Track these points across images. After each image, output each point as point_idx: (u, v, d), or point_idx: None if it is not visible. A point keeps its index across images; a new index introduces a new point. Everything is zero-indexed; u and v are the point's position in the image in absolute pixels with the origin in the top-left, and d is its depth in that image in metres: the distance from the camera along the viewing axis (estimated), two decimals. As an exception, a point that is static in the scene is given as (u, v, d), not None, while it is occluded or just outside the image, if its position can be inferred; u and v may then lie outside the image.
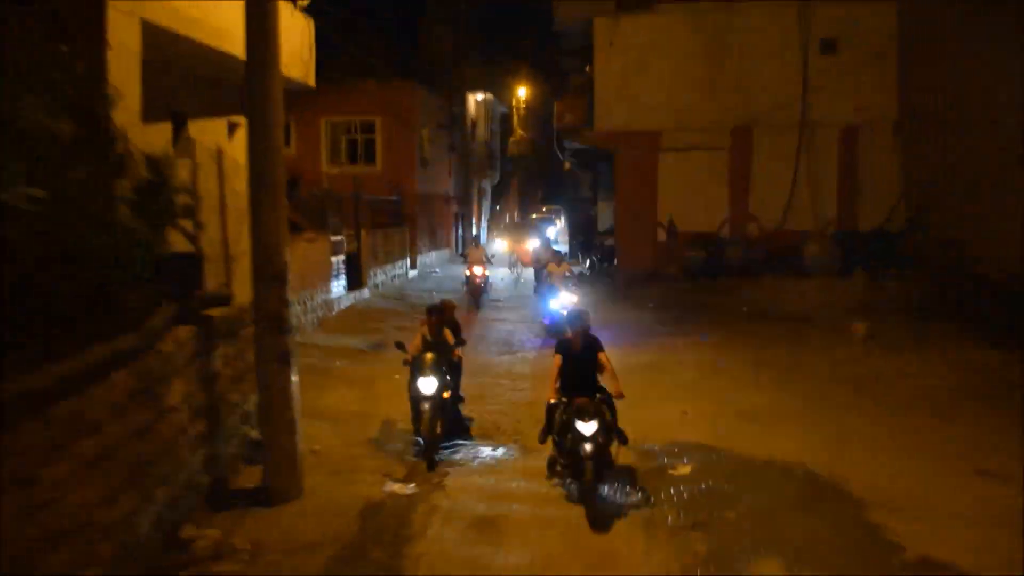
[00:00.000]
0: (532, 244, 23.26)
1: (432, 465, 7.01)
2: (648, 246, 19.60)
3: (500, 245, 29.89)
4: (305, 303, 12.84)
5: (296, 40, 10.56)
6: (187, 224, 6.42)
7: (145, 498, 4.60)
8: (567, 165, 34.28)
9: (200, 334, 5.79)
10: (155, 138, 7.07)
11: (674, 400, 8.98)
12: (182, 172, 6.54)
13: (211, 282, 6.87)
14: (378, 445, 7.62)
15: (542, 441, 6.66)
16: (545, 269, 15.11)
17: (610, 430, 6.16)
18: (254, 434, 6.92)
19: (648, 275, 18.66)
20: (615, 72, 19.56)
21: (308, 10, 11.28)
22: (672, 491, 6.29)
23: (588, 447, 5.93)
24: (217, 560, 5.04)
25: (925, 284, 14.50)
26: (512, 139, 41.31)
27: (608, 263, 21.98)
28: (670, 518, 5.79)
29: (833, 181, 18.61)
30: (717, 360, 11.23)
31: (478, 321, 15.20)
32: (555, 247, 19.27)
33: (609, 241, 22.05)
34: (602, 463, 6.03)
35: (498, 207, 42.07)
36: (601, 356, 6.51)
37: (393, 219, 21.16)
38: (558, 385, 6.49)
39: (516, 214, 43.95)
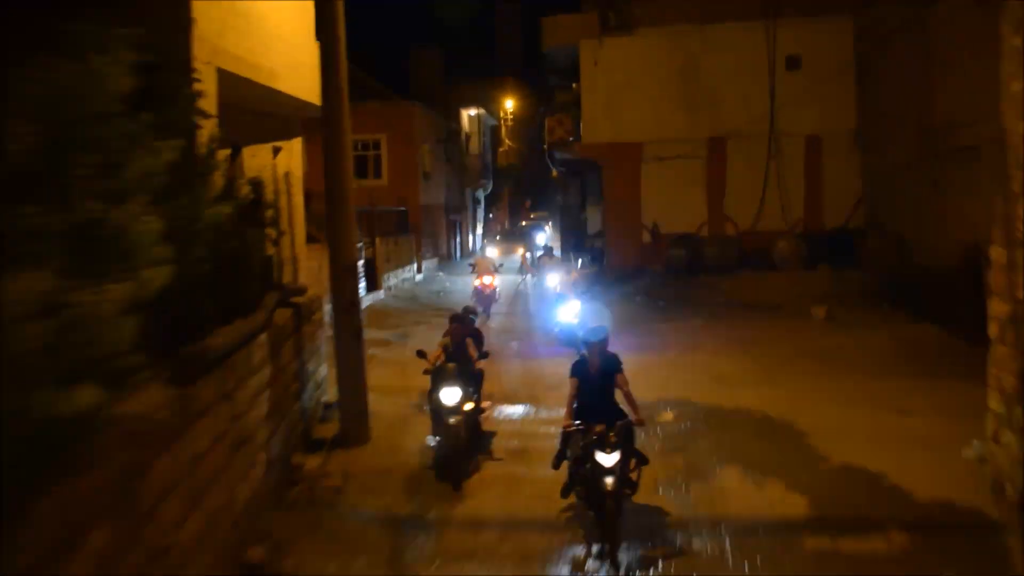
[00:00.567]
0: (534, 249, 24.41)
1: (458, 485, 6.69)
2: (634, 247, 21.00)
3: (492, 252, 31.41)
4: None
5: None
6: (272, 231, 8.18)
7: (279, 426, 6.34)
8: (555, 174, 35.96)
9: (294, 315, 7.52)
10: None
11: (659, 369, 10.75)
12: (268, 190, 8.30)
13: (283, 278, 8.64)
14: (420, 409, 9.24)
15: (555, 467, 6.15)
16: (545, 267, 16.48)
17: (630, 457, 5.65)
18: (325, 398, 8.67)
19: (635, 272, 20.13)
20: (600, 90, 20.93)
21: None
22: (659, 430, 8.08)
23: (609, 480, 5.33)
24: (322, 478, 6.81)
25: (878, 275, 16.39)
26: (501, 149, 42.45)
27: (598, 263, 23.69)
28: (657, 446, 7.57)
29: (800, 186, 20.05)
30: (697, 340, 13.07)
31: (490, 331, 16.54)
32: (557, 254, 20.38)
33: (598, 243, 23.47)
34: (622, 496, 5.50)
35: (491, 215, 43.71)
36: (619, 378, 5.97)
37: (398, 228, 22.92)
38: (575, 407, 5.89)
39: (507, 222, 45.53)
